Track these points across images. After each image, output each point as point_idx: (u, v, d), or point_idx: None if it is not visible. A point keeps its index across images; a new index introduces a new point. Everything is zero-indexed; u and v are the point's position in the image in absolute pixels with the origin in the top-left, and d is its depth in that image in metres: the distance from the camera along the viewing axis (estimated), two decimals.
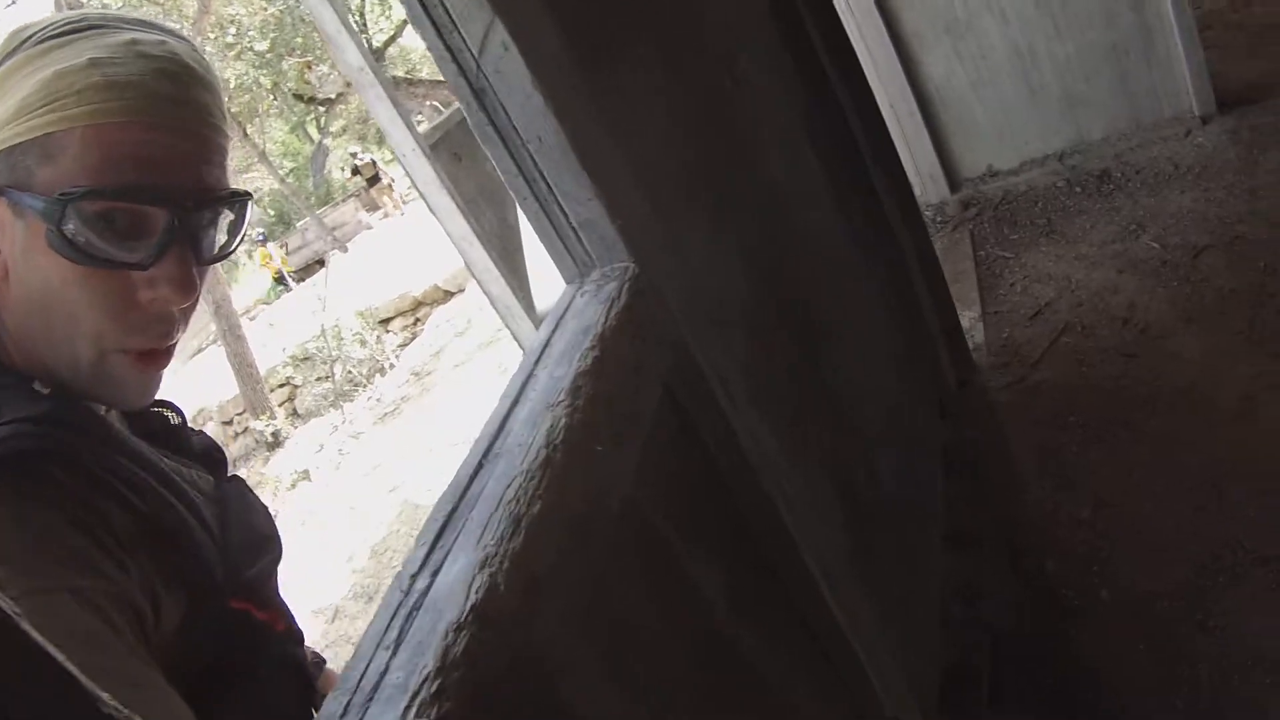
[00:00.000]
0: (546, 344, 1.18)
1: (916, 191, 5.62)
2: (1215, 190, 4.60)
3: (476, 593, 0.87)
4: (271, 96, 26.08)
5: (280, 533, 1.26)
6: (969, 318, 4.61)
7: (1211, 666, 2.61)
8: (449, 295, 14.22)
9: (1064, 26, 5.01)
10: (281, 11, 22.36)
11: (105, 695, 0.80)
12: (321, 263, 26.67)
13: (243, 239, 1.16)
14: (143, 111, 1.00)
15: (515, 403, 1.11)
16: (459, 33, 1.17)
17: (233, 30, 21.61)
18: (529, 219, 1.28)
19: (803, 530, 1.58)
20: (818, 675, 1.74)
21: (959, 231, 5.45)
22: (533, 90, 1.16)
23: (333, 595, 7.64)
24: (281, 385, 15.26)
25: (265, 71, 24.03)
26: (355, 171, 29.49)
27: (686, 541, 1.30)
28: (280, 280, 25.05)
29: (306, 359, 14.94)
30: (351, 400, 13.49)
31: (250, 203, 1.14)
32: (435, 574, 0.92)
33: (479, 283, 4.94)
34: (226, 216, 1.11)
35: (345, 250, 26.75)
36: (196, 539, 1.04)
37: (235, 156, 26.87)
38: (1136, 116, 5.15)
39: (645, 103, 1.61)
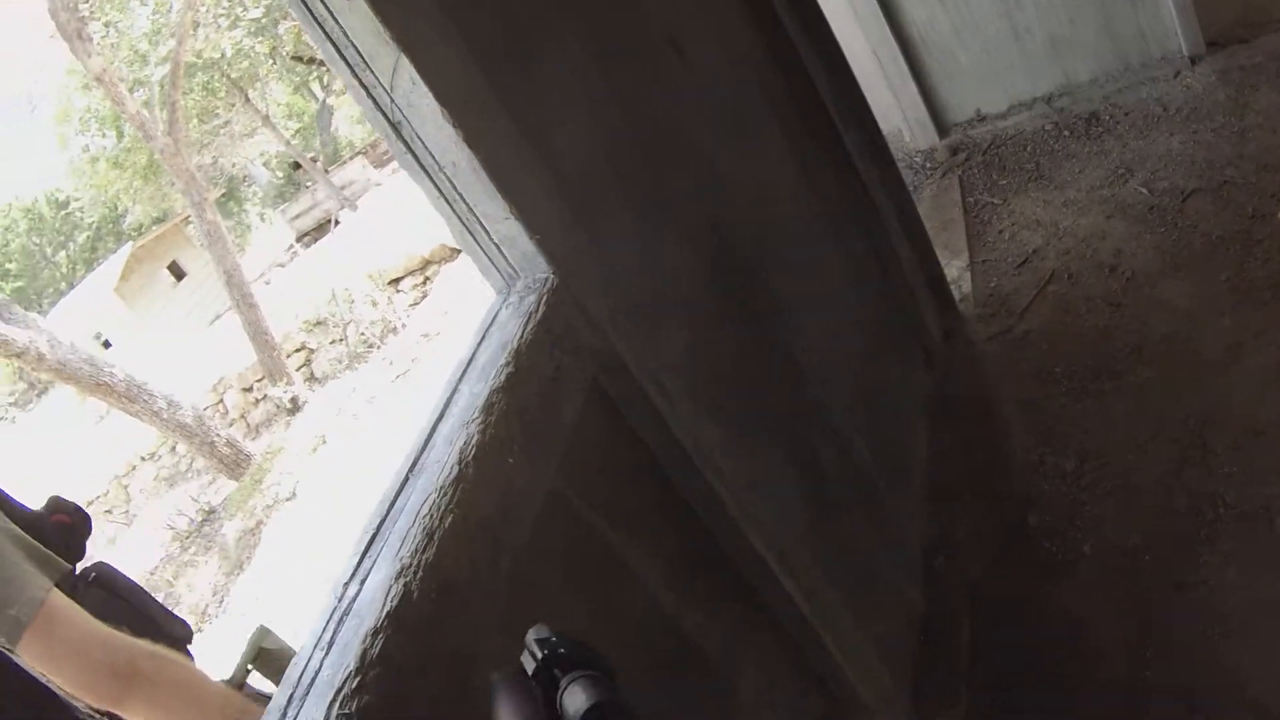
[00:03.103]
0: (471, 358, 1.25)
1: (905, 138, 5.65)
2: (1204, 133, 4.56)
3: (392, 600, 0.96)
4: (270, 60, 26.22)
5: None
6: (957, 267, 4.63)
7: (1186, 622, 2.64)
8: (456, 253, 14.25)
9: None
10: None
11: None
12: (334, 222, 26.79)
13: None
14: None
15: (440, 418, 1.18)
16: (370, 70, 1.22)
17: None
18: (454, 237, 1.34)
19: (747, 513, 1.65)
20: (772, 650, 1.82)
21: (948, 178, 5.45)
22: (444, 121, 1.22)
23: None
24: (298, 350, 15.37)
25: (261, 38, 24.20)
26: None
27: (621, 531, 1.38)
28: None
29: (320, 323, 15.06)
30: (366, 361, 13.64)
31: None
32: (363, 582, 1.01)
33: None
34: None
35: (355, 209, 26.80)
36: None
37: (239, 121, 27.06)
38: (1124, 57, 5.10)
39: (571, 100, 1.66)
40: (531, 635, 0.98)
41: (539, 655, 0.94)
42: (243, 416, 15.43)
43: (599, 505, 1.33)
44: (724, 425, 1.73)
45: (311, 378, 15.13)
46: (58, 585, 1.86)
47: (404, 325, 13.82)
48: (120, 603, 2.15)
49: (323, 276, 15.84)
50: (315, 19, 1.24)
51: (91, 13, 16.21)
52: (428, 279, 14.93)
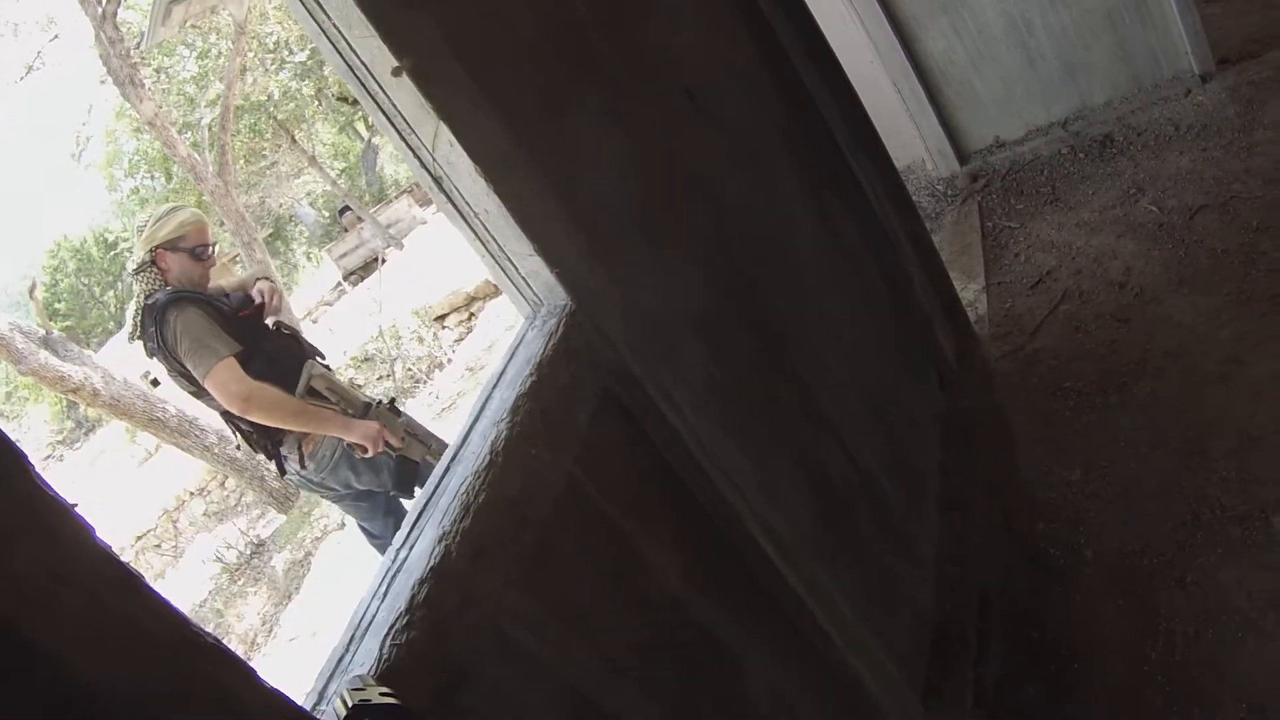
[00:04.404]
0: (502, 371, 1.50)
1: (928, 167, 5.84)
2: (1213, 149, 4.72)
3: (435, 558, 1.20)
4: (316, 102, 26.84)
5: None
6: (973, 289, 4.81)
7: (1185, 621, 2.78)
8: (499, 289, 14.46)
9: None
10: None
11: None
12: (380, 260, 27.14)
13: None
14: None
15: (476, 419, 1.42)
16: (416, 135, 1.48)
17: (271, 42, 22.30)
18: (488, 271, 1.59)
19: (752, 510, 1.87)
20: (779, 638, 2.02)
21: (968, 204, 5.64)
22: (476, 176, 1.47)
23: None
24: None
25: (307, 80, 24.83)
26: None
27: (632, 520, 1.60)
28: None
29: (367, 359, 15.39)
30: (413, 396, 13.89)
31: None
32: (412, 547, 1.26)
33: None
34: None
35: (401, 247, 27.15)
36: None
37: (285, 162, 27.67)
38: (1137, 78, 5.24)
39: (590, 150, 1.89)
40: (344, 684, 1.03)
41: (349, 704, 0.97)
42: None
43: (612, 495, 1.56)
44: (732, 433, 1.94)
45: None
46: (236, 355, 3.85)
47: (449, 360, 14.07)
48: (269, 362, 4.09)
49: (370, 314, 16.14)
50: (369, 93, 1.49)
51: (143, 59, 16.68)
52: (472, 315, 15.18)
